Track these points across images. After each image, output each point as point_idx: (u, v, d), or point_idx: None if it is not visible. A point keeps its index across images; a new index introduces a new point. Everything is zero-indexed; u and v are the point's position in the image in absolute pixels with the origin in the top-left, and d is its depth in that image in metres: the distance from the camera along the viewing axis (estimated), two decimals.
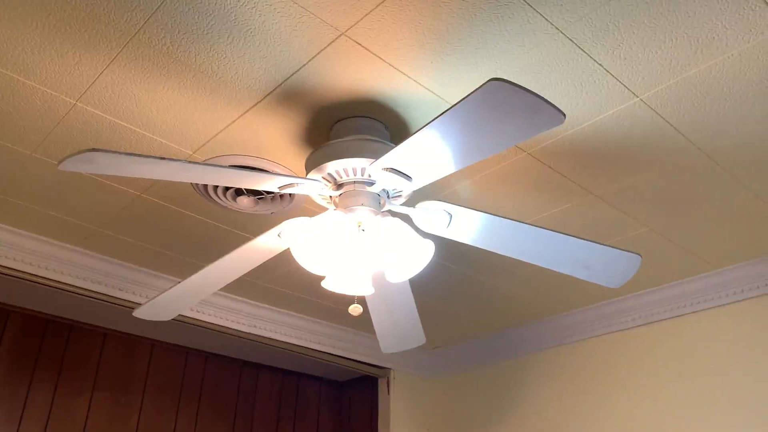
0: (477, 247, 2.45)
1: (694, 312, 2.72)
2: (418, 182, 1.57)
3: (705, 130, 1.83)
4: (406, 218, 2.07)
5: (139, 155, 1.26)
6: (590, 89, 1.68)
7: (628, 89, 1.68)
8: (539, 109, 1.14)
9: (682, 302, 2.74)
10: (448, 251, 2.53)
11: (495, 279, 2.77)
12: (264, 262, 2.59)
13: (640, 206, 2.21)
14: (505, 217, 1.68)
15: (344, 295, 2.86)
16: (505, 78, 1.10)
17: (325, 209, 2.09)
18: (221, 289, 2.93)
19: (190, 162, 1.36)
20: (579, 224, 2.32)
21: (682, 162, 1.97)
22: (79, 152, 1.20)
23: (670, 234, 2.38)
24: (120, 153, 1.22)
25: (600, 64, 1.60)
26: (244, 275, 2.74)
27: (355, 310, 1.68)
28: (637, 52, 1.56)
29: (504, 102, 1.15)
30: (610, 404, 2.89)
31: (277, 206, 2.18)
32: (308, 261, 1.66)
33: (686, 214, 2.25)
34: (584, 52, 1.56)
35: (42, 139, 1.89)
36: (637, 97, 1.71)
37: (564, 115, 1.15)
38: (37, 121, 1.82)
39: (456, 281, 2.80)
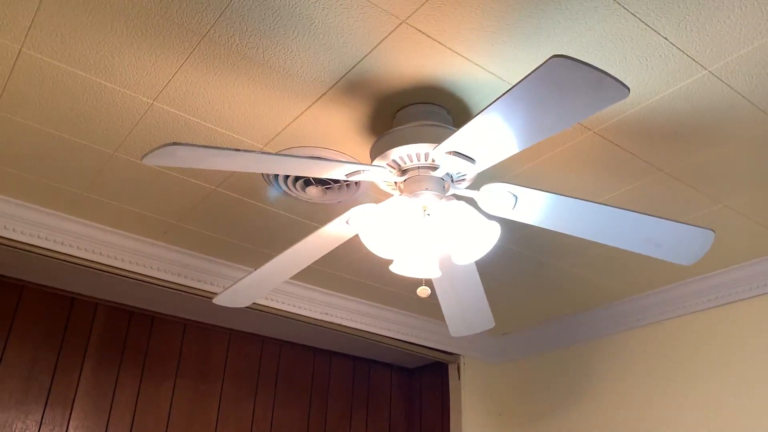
0: (544, 231, 2.45)
1: None
2: (482, 165, 1.59)
3: None
4: (471, 201, 2.09)
5: (216, 147, 1.34)
6: (656, 64, 1.65)
7: (696, 62, 1.64)
8: (603, 83, 1.14)
9: (762, 281, 2.64)
10: (515, 235, 2.53)
11: (563, 262, 2.75)
12: (333, 251, 2.66)
13: (713, 182, 2.15)
14: (571, 196, 1.67)
15: (412, 280, 2.91)
16: (567, 55, 1.10)
17: (390, 196, 2.13)
18: (293, 278, 3.03)
19: (263, 153, 1.42)
20: (649, 203, 2.28)
21: (756, 134, 1.91)
22: (161, 146, 1.28)
23: (746, 210, 2.30)
24: (198, 146, 1.29)
25: (665, 38, 1.57)
26: (315, 264, 2.82)
27: (423, 291, 1.72)
28: (704, 23, 1.52)
29: (567, 78, 1.15)
30: (680, 388, 2.82)
31: (344, 195, 2.24)
32: (376, 246, 1.70)
33: (762, 189, 2.17)
34: (648, 26, 1.53)
35: (123, 138, 2.01)
36: (706, 69, 1.67)
37: (628, 89, 1.15)
38: (118, 121, 1.93)
39: (523, 265, 2.79)
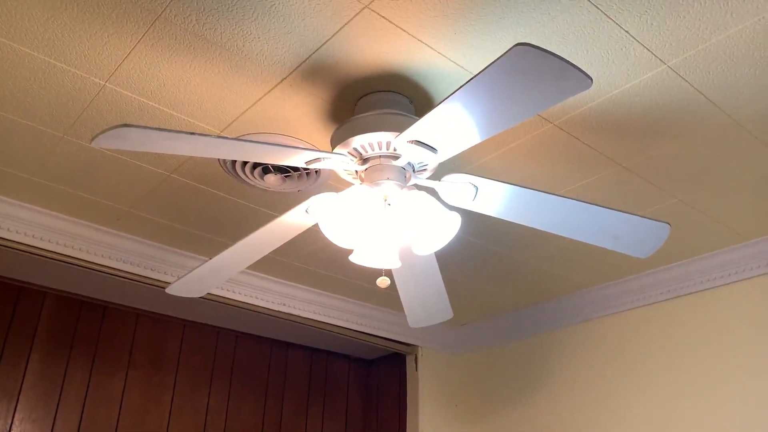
0: (502, 222, 2.46)
1: (725, 284, 2.69)
2: (444, 154, 1.58)
3: (735, 97, 1.80)
4: (432, 192, 2.08)
5: (170, 130, 1.29)
6: (617, 57, 1.66)
7: (656, 56, 1.66)
8: (566, 73, 1.14)
9: (713, 275, 2.71)
10: (475, 227, 2.53)
11: (521, 254, 2.77)
12: (291, 241, 2.62)
13: (669, 177, 2.18)
14: (531, 188, 1.67)
15: (370, 270, 2.89)
16: (531, 43, 1.09)
17: (351, 185, 2.10)
18: (250, 268, 2.98)
19: (219, 137, 1.38)
20: (607, 196, 2.30)
21: (712, 130, 1.94)
22: (111, 128, 1.23)
23: (700, 205, 2.35)
24: (151, 128, 1.24)
25: (626, 31, 1.58)
26: (273, 254, 2.78)
27: (382, 282, 1.70)
28: (664, 18, 1.54)
29: (530, 67, 1.14)
30: (639, 379, 2.88)
31: (304, 184, 2.20)
32: (336, 235, 1.68)
33: (716, 184, 2.22)
34: (610, 18, 1.54)
35: (73, 120, 1.93)
36: (665, 64, 1.68)
37: (591, 79, 1.15)
38: (68, 103, 1.85)
39: (482, 257, 2.80)
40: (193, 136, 1.33)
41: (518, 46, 1.10)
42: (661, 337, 2.86)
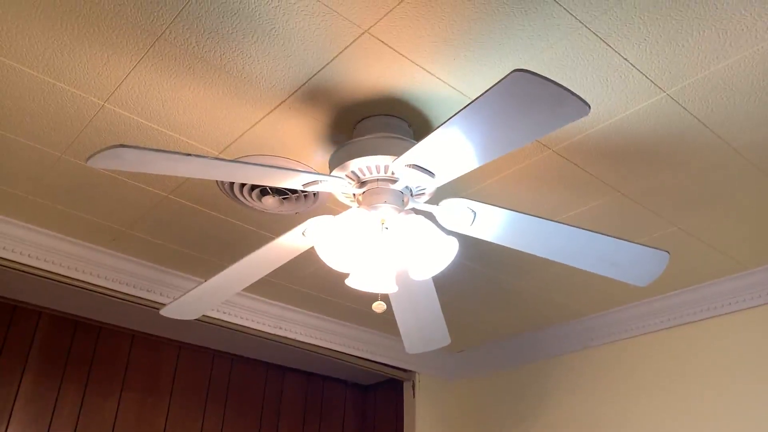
0: (501, 248, 2.44)
1: (726, 314, 2.67)
2: (441, 179, 1.57)
3: (733, 126, 1.80)
4: (430, 216, 2.07)
5: (166, 151, 1.28)
6: (616, 85, 1.66)
7: (655, 84, 1.66)
8: (564, 100, 1.13)
9: (712, 304, 2.69)
10: (474, 252, 2.52)
11: (520, 281, 2.75)
12: (288, 264, 2.61)
13: (668, 205, 2.17)
14: (529, 214, 1.66)
15: (368, 295, 2.87)
16: (529, 69, 1.09)
17: (348, 208, 2.10)
18: (246, 291, 2.96)
19: (216, 158, 1.37)
20: (606, 223, 2.29)
21: (711, 159, 1.94)
22: (107, 148, 1.22)
23: (699, 233, 2.34)
24: (146, 149, 1.24)
25: (625, 59, 1.58)
26: (269, 276, 2.76)
27: (378, 306, 1.68)
28: (663, 46, 1.54)
29: (528, 93, 1.14)
30: (638, 409, 2.84)
31: (302, 206, 2.19)
32: (332, 258, 1.66)
33: (716, 212, 2.21)
34: (609, 46, 1.54)
35: (71, 140, 1.93)
36: (664, 92, 1.68)
37: (589, 106, 1.14)
38: (67, 122, 1.85)
39: (481, 283, 2.78)
40: (189, 157, 1.32)
41: (516, 72, 1.10)
42: (661, 366, 2.82)
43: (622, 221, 2.28)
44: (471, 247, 2.47)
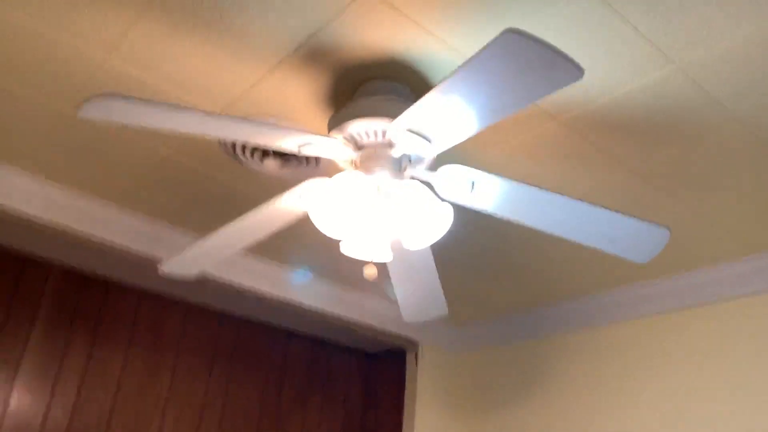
0: (509, 223, 2.41)
1: (734, 297, 2.61)
2: (439, 145, 1.54)
3: (747, 101, 1.73)
4: (429, 186, 2.04)
5: (156, 103, 1.27)
6: (624, 54, 1.61)
7: (665, 55, 1.60)
8: (556, 62, 1.10)
9: (720, 287, 2.63)
10: (481, 224, 2.49)
11: (527, 255, 2.72)
12: (296, 228, 2.61)
13: (677, 183, 2.12)
14: (529, 184, 1.63)
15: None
16: (522, 29, 1.05)
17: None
18: (253, 252, 2.96)
19: (206, 113, 1.36)
20: (610, 200, 2.24)
21: (722, 135, 1.88)
22: (96, 97, 1.21)
23: (709, 213, 2.28)
24: (136, 99, 1.23)
25: (635, 27, 1.53)
26: (276, 239, 2.77)
27: (369, 270, 1.67)
28: (675, 14, 1.48)
29: (520, 55, 1.11)
30: (639, 387, 2.81)
31: (304, 170, 2.18)
32: (325, 224, 1.65)
33: (726, 192, 2.15)
34: (617, 12, 1.49)
35: (75, 94, 1.93)
36: (674, 63, 1.63)
37: (582, 70, 1.11)
38: (72, 76, 1.85)
39: (487, 256, 2.76)
40: (179, 110, 1.31)
41: (507, 33, 1.07)
42: (663, 348, 2.79)
43: (628, 199, 2.23)
44: (479, 220, 2.44)
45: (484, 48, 1.11)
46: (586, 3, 1.47)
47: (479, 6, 1.50)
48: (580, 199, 1.66)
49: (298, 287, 2.96)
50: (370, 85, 1.76)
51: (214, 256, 1.95)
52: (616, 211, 1.66)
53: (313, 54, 1.70)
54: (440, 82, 1.25)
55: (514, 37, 1.06)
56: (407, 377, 3.61)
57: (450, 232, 2.55)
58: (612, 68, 1.66)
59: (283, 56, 1.71)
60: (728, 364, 2.56)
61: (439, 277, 2.63)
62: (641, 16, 1.49)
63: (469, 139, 1.99)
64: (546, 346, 3.29)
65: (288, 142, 1.57)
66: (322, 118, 1.94)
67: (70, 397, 2.99)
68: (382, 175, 1.66)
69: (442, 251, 2.73)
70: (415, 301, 2.17)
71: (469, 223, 2.48)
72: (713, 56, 1.59)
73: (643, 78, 1.68)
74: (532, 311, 3.32)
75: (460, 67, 1.19)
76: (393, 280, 2.08)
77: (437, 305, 2.18)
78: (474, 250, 2.71)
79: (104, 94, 1.18)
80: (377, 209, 1.66)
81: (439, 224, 1.65)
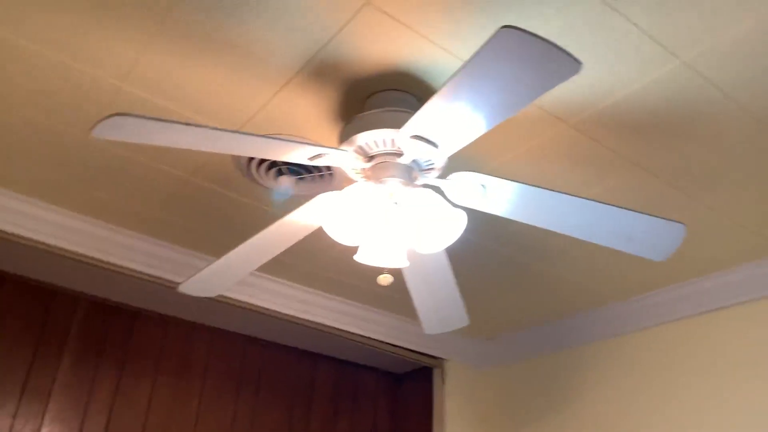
0: (530, 232, 2.41)
1: (757, 299, 2.56)
2: (446, 150, 1.56)
3: (755, 94, 1.72)
4: (440, 192, 2.05)
5: (167, 120, 1.31)
6: (628, 53, 1.62)
7: (668, 51, 1.61)
8: (553, 56, 1.11)
9: (747, 288, 2.58)
10: (501, 236, 2.49)
11: (550, 266, 2.70)
12: (312, 247, 2.63)
13: (692, 180, 2.10)
14: (539, 186, 1.63)
15: (397, 281, 2.86)
16: (517, 26, 1.07)
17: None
18: (270, 274, 2.99)
19: (218, 129, 1.39)
20: (625, 200, 2.23)
21: (733, 129, 1.86)
22: (108, 117, 1.25)
23: (726, 211, 2.25)
24: (146, 117, 1.27)
25: (635, 24, 1.54)
26: (295, 260, 2.79)
27: (384, 279, 1.68)
28: (675, 9, 1.49)
29: (517, 51, 1.12)
30: (671, 396, 2.75)
31: (318, 187, 2.20)
32: (339, 233, 1.67)
33: (741, 187, 2.12)
34: (617, 11, 1.50)
35: (92, 121, 1.98)
36: (679, 59, 1.63)
37: (579, 63, 1.12)
38: (86, 104, 1.91)
39: (510, 269, 2.75)
40: (190, 127, 1.35)
41: (503, 29, 1.08)
42: (689, 353, 2.73)
43: (643, 198, 2.21)
44: (498, 230, 2.44)
45: (482, 47, 1.13)
46: (586, 4, 1.48)
47: (479, 13, 1.52)
48: (592, 199, 1.66)
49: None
50: (378, 96, 1.79)
51: (232, 274, 1.97)
52: (630, 209, 1.66)
53: (320, 70, 1.73)
54: (442, 85, 1.27)
55: (509, 33, 1.08)
56: (435, 396, 3.58)
57: (469, 245, 2.55)
58: (617, 67, 1.67)
59: (292, 75, 1.75)
60: (757, 367, 2.49)
61: (461, 292, 2.63)
62: (642, 14, 1.50)
63: (480, 147, 2.00)
64: (572, 358, 3.24)
65: (298, 155, 1.60)
66: (333, 132, 1.97)
67: (99, 426, 3.01)
68: (394, 184, 1.67)
69: (462, 266, 2.73)
70: (435, 313, 2.17)
71: (488, 235, 2.48)
72: (718, 49, 1.59)
73: (649, 75, 1.68)
74: (556, 323, 3.28)
75: (459, 69, 1.20)
76: (412, 293, 2.09)
77: (458, 315, 2.17)
78: (495, 263, 2.70)
79: (117, 114, 1.21)
80: (390, 217, 1.68)
81: (453, 229, 1.66)
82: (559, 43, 1.60)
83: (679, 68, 1.66)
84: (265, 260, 1.95)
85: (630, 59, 1.64)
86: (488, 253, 2.62)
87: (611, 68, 1.67)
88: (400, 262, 1.72)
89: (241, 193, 2.32)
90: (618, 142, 1.95)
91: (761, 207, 2.21)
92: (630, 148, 1.97)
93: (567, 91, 1.75)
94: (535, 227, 2.34)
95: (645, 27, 1.54)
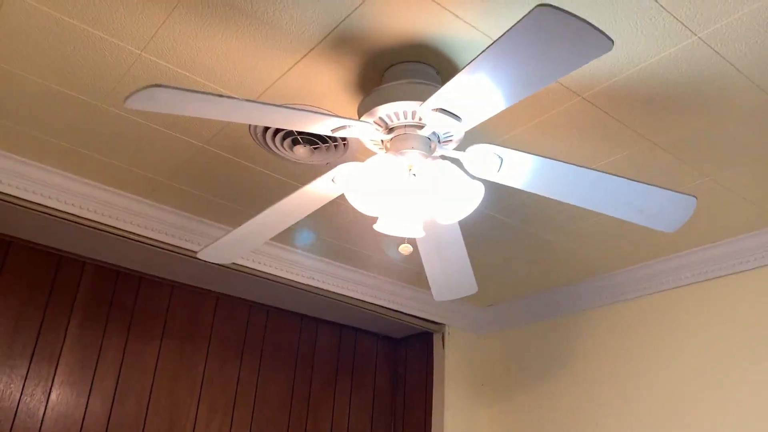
0: (533, 202, 2.46)
1: (758, 267, 2.64)
2: (468, 123, 1.59)
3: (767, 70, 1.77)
4: (457, 163, 2.09)
5: (200, 92, 1.33)
6: (645, 28, 1.65)
7: (686, 27, 1.64)
8: (587, 35, 1.14)
9: (745, 257, 2.66)
10: (504, 205, 2.53)
11: (551, 234, 2.76)
12: (321, 215, 2.67)
13: (701, 154, 2.15)
14: (556, 159, 1.68)
15: (397, 241, 2.91)
16: (553, 4, 1.10)
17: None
18: (280, 242, 3.03)
19: (248, 101, 1.42)
20: (636, 173, 2.28)
21: (745, 105, 1.91)
22: (143, 88, 1.27)
23: (733, 184, 2.31)
24: (181, 89, 1.29)
25: (656, 0, 1.56)
26: (302, 228, 2.83)
27: (405, 249, 1.73)
28: None
29: (551, 29, 1.15)
30: (666, 361, 2.85)
31: (332, 156, 2.23)
32: (361, 203, 1.71)
33: (750, 162, 2.18)
34: None
35: (110, 89, 2.00)
36: (696, 35, 1.66)
37: (612, 41, 1.15)
38: (105, 72, 1.92)
39: (511, 236, 2.80)
40: (222, 99, 1.37)
41: (539, 7, 1.11)
42: (687, 321, 2.82)
43: (653, 171, 2.27)
44: (502, 200, 2.49)
45: (516, 24, 1.16)
46: None
47: None
48: (606, 172, 1.71)
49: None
50: (398, 68, 1.81)
51: (251, 242, 2.01)
52: (643, 182, 1.71)
53: (340, 41, 1.75)
54: (472, 60, 1.30)
55: (546, 11, 1.11)
56: (434, 360, 3.67)
57: (473, 213, 2.60)
58: (635, 42, 1.70)
59: (312, 45, 1.76)
60: (751, 332, 2.59)
61: None
62: None
63: (493, 119, 2.03)
64: (570, 324, 3.33)
65: (322, 127, 1.63)
66: (350, 103, 1.99)
67: (109, 389, 3.07)
68: (413, 155, 1.71)
69: (464, 232, 2.78)
70: (445, 280, 2.22)
71: (491, 203, 2.53)
72: (733, 26, 1.62)
73: (665, 50, 1.72)
74: (555, 290, 3.36)
75: (492, 44, 1.23)
76: (423, 260, 2.14)
77: (467, 283, 2.23)
78: (496, 230, 2.76)
79: (154, 85, 1.23)
80: (410, 188, 1.71)
81: (471, 200, 1.70)
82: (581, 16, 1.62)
83: (694, 44, 1.69)
84: (282, 228, 1.99)
85: (647, 34, 1.67)
86: (490, 221, 2.68)
87: (630, 43, 1.70)
88: (418, 232, 1.76)
89: (255, 161, 2.35)
90: (629, 115, 1.99)
91: (766, 181, 2.27)
92: (640, 121, 2.01)
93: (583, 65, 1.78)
94: (538, 196, 2.39)
95: (664, 2, 1.57)
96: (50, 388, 2.92)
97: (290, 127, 1.60)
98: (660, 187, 1.70)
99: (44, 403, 2.89)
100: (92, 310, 3.12)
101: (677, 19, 1.61)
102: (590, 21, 1.61)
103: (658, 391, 2.85)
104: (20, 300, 2.94)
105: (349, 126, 1.65)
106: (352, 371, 3.93)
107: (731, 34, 1.65)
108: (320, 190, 1.87)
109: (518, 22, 1.16)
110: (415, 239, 2.31)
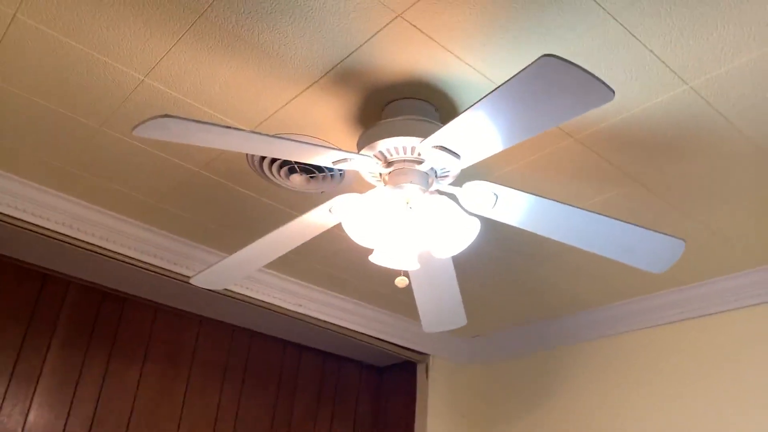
0: (521, 236, 2.50)
1: (743, 307, 2.70)
2: (466, 161, 1.63)
3: (755, 121, 1.83)
4: (453, 198, 2.13)
5: (208, 123, 1.35)
6: (640, 75, 1.71)
7: (678, 76, 1.70)
8: (590, 85, 1.18)
9: (729, 297, 2.72)
10: (495, 237, 2.57)
11: (538, 269, 2.80)
12: (311, 242, 2.68)
13: (687, 197, 2.21)
14: (549, 198, 1.72)
15: (387, 276, 2.93)
16: (558, 55, 1.14)
17: (373, 188, 2.16)
18: (269, 267, 3.03)
19: (254, 132, 1.44)
20: (623, 214, 2.34)
21: (731, 153, 1.97)
22: (153, 118, 1.29)
23: (717, 227, 2.38)
24: (190, 120, 1.31)
25: (650, 50, 1.63)
26: (292, 254, 2.84)
27: (401, 282, 1.75)
28: (687, 38, 1.58)
29: (555, 78, 1.19)
30: (650, 398, 2.89)
31: (328, 185, 2.26)
32: (358, 234, 1.73)
33: (734, 206, 2.24)
34: (635, 37, 1.59)
35: (110, 113, 2.01)
36: (687, 84, 1.72)
37: (613, 92, 1.19)
38: (107, 95, 1.93)
39: (498, 268, 2.84)
40: (229, 130, 1.39)
41: (545, 57, 1.15)
42: (672, 358, 2.87)
43: (640, 213, 2.32)
44: (491, 232, 2.53)
45: (523, 71, 1.20)
46: (606, 29, 1.56)
47: (502, 32, 1.59)
48: (598, 212, 1.75)
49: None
50: (398, 104, 1.85)
51: (246, 268, 2.02)
52: (634, 224, 1.75)
53: (344, 75, 1.78)
54: (477, 101, 1.34)
55: (552, 60, 1.15)
56: (418, 390, 3.67)
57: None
58: (628, 88, 1.75)
59: (315, 79, 1.80)
60: (736, 371, 2.64)
61: None
62: (657, 41, 1.59)
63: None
64: (555, 358, 3.36)
65: (323, 159, 1.65)
66: (349, 135, 2.03)
67: (88, 411, 3.03)
68: (412, 189, 1.74)
69: (456, 263, 2.81)
70: (435, 312, 2.24)
71: (481, 237, 2.56)
72: (723, 77, 1.69)
73: (658, 97, 1.78)
74: (543, 323, 3.40)
75: (497, 88, 1.27)
76: (415, 291, 2.16)
77: (456, 316, 2.25)
78: (486, 262, 2.79)
79: (164, 116, 1.25)
80: (406, 221, 1.74)
81: (466, 235, 1.73)
82: (575, 62, 1.68)
83: (686, 92, 1.75)
84: (277, 256, 2.00)
85: (642, 82, 1.73)
86: (479, 253, 2.71)
87: (623, 89, 1.76)
88: (412, 265, 1.79)
89: (249, 187, 2.36)
90: (619, 157, 2.04)
91: (750, 223, 2.34)
92: (630, 163, 2.06)
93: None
94: (527, 231, 2.43)
95: (659, 53, 1.63)
96: (28, 409, 2.87)
97: (294, 158, 1.63)
98: (650, 229, 1.75)
99: (21, 425, 2.84)
100: (75, 330, 3.09)
101: (670, 68, 1.67)
102: (587, 67, 1.67)
103: (642, 424, 2.88)
104: (1, 318, 2.90)
105: (350, 159, 1.68)
106: (334, 398, 3.91)
107: (721, 85, 1.72)
108: (317, 219, 1.89)
109: (524, 69, 1.20)
110: (407, 271, 2.34)
